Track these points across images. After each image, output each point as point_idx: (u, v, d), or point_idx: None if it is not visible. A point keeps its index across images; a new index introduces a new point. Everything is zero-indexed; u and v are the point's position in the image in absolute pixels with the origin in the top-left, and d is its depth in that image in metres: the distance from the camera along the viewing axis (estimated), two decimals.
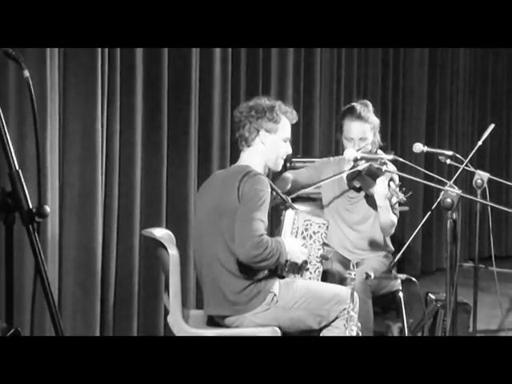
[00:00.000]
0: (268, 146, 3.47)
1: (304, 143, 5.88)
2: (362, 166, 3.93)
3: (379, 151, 4.09)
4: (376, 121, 4.16)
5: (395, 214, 4.07)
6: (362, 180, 4.04)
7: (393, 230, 4.12)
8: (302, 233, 3.51)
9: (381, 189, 3.84)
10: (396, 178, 3.97)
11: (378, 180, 3.85)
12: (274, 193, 3.50)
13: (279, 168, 3.59)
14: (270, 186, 3.35)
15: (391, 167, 4.01)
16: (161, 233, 3.55)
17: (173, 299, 3.34)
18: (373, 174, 3.89)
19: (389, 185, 3.77)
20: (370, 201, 4.17)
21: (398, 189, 3.69)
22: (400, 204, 3.87)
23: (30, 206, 1.84)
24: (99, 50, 4.11)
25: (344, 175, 4.13)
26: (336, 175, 4.11)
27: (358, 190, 4.17)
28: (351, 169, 4.05)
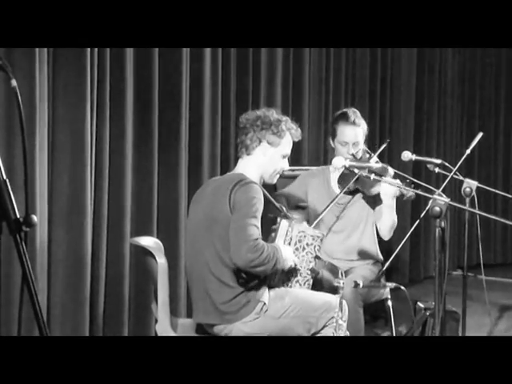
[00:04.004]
0: (267, 158, 3.47)
1: (293, 151, 5.87)
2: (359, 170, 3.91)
3: (374, 158, 4.09)
4: (366, 126, 4.23)
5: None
6: (362, 182, 4.03)
7: (392, 233, 4.14)
8: (295, 244, 3.50)
9: (389, 187, 3.83)
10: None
11: (384, 179, 3.84)
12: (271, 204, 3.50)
13: (274, 182, 3.60)
14: (264, 194, 3.35)
15: (391, 170, 4.01)
16: (149, 241, 3.54)
17: (161, 308, 3.34)
18: (376, 174, 3.88)
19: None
20: (361, 207, 4.19)
21: (405, 185, 3.70)
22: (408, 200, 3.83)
23: (18, 216, 1.83)
24: (88, 57, 4.10)
25: (333, 181, 4.16)
26: (342, 191, 4.06)
27: (352, 193, 4.17)
28: (341, 176, 4.07)
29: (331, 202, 4.00)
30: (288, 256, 3.39)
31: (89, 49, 4.11)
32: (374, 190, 4.04)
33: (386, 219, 4.06)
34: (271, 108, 3.61)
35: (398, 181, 3.83)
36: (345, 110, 4.33)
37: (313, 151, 6.15)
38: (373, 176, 3.62)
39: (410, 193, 3.72)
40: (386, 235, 4.16)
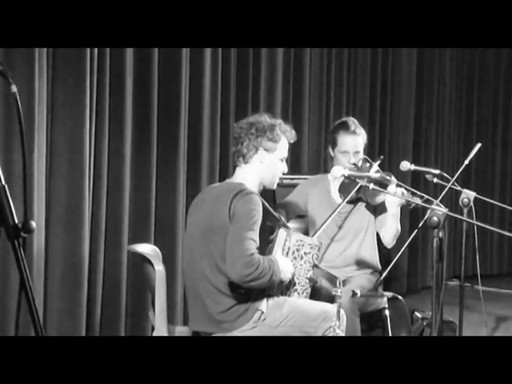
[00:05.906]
0: (265, 164, 3.46)
1: (292, 159, 5.89)
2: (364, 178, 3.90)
3: (375, 166, 4.09)
4: (365, 135, 4.26)
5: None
6: (365, 191, 4.02)
7: (395, 241, 4.14)
8: (293, 253, 3.48)
9: (394, 196, 3.83)
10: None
11: (390, 188, 3.84)
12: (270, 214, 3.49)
13: (274, 186, 3.59)
14: (263, 204, 3.34)
15: (394, 179, 4.01)
16: (146, 248, 3.53)
17: (158, 315, 3.33)
18: (381, 184, 3.87)
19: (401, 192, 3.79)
20: (361, 216, 4.19)
21: (410, 194, 3.70)
22: (415, 208, 3.81)
23: (16, 222, 1.83)
24: (88, 62, 4.10)
25: (334, 190, 4.15)
26: (346, 199, 4.05)
27: (353, 202, 4.17)
28: (342, 185, 4.07)
29: (333, 212, 3.99)
30: (286, 268, 3.37)
31: (88, 53, 4.11)
32: (379, 199, 4.04)
33: (391, 228, 4.07)
34: (263, 113, 3.61)
35: (402, 190, 3.84)
36: (344, 119, 4.34)
37: (313, 159, 6.15)
38: (371, 186, 3.63)
39: (417, 201, 3.72)
40: (390, 243, 4.16)
